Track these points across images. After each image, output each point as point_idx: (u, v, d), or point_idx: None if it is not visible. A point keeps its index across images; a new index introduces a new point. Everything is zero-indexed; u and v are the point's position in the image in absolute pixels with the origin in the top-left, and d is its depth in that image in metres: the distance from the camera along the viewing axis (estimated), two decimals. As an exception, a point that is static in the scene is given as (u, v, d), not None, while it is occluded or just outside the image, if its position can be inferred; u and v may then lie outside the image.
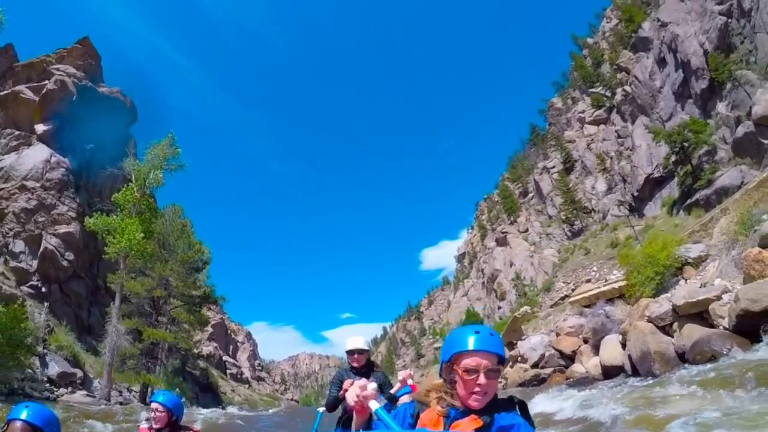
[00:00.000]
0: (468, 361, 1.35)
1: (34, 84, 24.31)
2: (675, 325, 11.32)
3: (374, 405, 1.43)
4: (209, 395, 30.37)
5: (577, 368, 16.62)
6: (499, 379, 1.42)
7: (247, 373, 58.74)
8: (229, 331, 62.11)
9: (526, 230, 70.96)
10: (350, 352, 3.67)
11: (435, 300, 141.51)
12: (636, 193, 38.50)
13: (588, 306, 20.89)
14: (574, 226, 55.11)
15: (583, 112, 55.79)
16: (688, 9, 29.25)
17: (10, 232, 18.72)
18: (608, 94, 49.94)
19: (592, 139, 53.04)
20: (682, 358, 10.62)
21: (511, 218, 75.37)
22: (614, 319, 16.69)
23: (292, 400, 69.56)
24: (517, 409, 1.40)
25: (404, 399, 2.52)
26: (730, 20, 25.80)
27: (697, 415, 5.62)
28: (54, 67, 25.32)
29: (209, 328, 30.56)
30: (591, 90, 53.80)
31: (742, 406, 5.85)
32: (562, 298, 40.22)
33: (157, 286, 20.84)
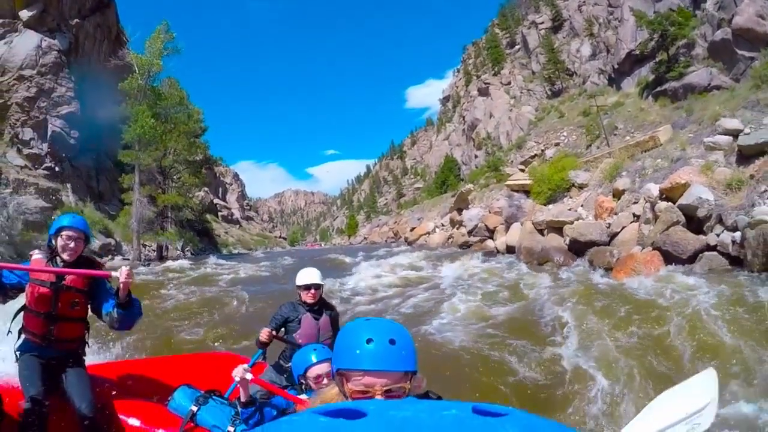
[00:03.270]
0: (359, 381, 0.97)
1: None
2: (546, 231, 15.72)
3: None
4: (206, 239, 35.34)
5: (490, 243, 21.53)
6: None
7: (237, 214, 63.80)
8: (217, 174, 65.84)
9: (509, 83, 71.40)
10: (303, 287, 3.27)
11: (418, 140, 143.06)
12: (617, 66, 38.68)
13: (517, 191, 25.30)
14: (555, 86, 56.17)
15: (578, -30, 51.89)
16: None
17: (17, 122, 20.53)
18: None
19: (584, 1, 50.68)
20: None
21: (495, 69, 74.68)
22: (524, 210, 21.10)
23: (280, 237, 77.89)
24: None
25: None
26: None
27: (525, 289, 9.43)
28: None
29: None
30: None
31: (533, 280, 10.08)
32: (532, 157, 44.17)
33: (164, 156, 24.62)
